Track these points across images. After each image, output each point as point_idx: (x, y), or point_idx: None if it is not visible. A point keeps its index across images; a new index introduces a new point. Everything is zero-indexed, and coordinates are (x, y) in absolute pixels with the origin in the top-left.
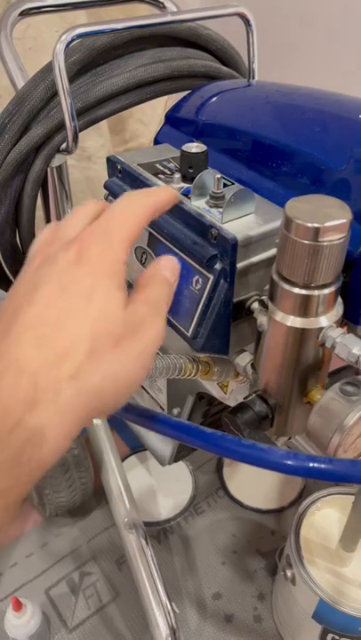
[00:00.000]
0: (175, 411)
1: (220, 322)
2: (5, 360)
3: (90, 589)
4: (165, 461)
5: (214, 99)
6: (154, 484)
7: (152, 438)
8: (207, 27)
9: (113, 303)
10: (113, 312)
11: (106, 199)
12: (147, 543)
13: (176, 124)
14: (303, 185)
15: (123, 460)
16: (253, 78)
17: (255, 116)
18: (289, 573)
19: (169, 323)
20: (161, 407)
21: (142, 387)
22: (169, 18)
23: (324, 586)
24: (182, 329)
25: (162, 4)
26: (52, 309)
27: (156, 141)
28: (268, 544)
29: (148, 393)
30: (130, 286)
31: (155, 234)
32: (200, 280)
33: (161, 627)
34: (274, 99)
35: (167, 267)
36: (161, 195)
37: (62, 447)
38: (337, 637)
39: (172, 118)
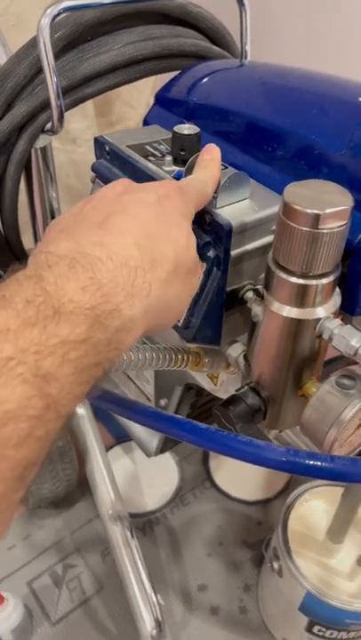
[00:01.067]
0: (162, 402)
1: (212, 311)
2: (108, 250)
3: (73, 582)
4: (152, 452)
5: (206, 79)
6: (139, 475)
7: (138, 429)
8: (198, 5)
9: (192, 243)
10: (192, 249)
11: (93, 182)
12: (132, 535)
13: (166, 105)
14: (300, 170)
15: (107, 450)
16: (246, 59)
17: (250, 97)
18: (276, 565)
19: None
20: (148, 398)
21: (129, 377)
22: None
23: (311, 578)
24: None
25: None
26: (149, 224)
27: (146, 122)
28: (255, 535)
29: (134, 383)
30: None
31: None
32: None
33: (146, 619)
34: (269, 79)
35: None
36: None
37: (137, 339)
38: (323, 629)
39: (162, 99)
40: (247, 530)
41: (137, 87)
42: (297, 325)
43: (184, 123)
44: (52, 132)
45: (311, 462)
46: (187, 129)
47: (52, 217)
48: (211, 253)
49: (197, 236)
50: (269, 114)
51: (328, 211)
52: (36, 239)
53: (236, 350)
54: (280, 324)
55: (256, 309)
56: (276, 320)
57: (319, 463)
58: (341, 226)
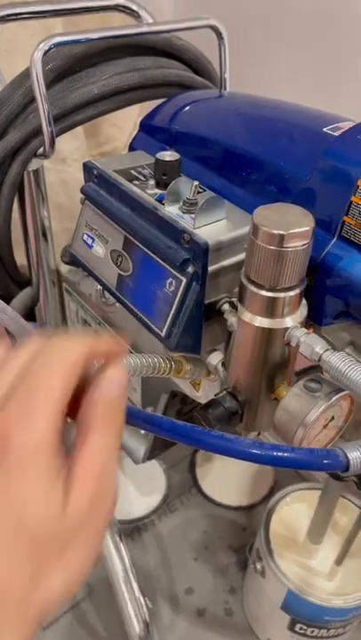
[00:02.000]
0: (149, 409)
1: (192, 322)
2: None
3: None
4: (139, 460)
5: (187, 108)
6: (128, 484)
7: (125, 437)
8: (181, 37)
9: (51, 511)
10: (50, 521)
11: (82, 203)
12: (120, 540)
13: (150, 132)
14: (271, 193)
15: None
16: (225, 88)
17: (226, 126)
18: (259, 566)
19: (143, 323)
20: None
21: None
22: (144, 29)
23: (292, 577)
24: (156, 329)
25: (137, 13)
26: None
27: (131, 148)
28: (239, 540)
29: None
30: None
31: (130, 237)
32: (173, 282)
33: (134, 621)
34: (244, 110)
35: (110, 390)
36: (100, 346)
37: None
38: (305, 627)
39: (146, 126)
40: (232, 535)
41: (124, 111)
42: (268, 334)
43: (166, 149)
44: (44, 156)
45: (274, 453)
46: (168, 156)
47: (44, 235)
48: (190, 269)
49: (177, 254)
50: (244, 142)
51: (292, 231)
52: (27, 256)
53: (215, 358)
54: (253, 333)
55: (231, 320)
56: (249, 330)
57: (281, 453)
58: (305, 244)
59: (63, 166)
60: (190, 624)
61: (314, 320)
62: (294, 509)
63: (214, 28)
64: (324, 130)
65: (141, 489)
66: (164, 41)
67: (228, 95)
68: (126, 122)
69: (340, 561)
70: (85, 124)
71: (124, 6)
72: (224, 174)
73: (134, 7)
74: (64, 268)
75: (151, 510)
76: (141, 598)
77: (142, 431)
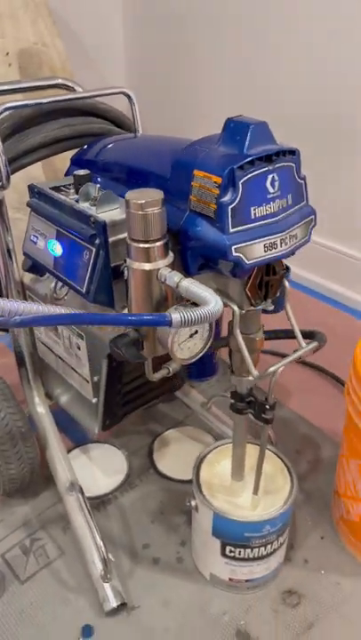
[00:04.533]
0: (95, 378)
1: (103, 281)
2: None
3: (39, 550)
4: (94, 433)
5: (104, 146)
6: (94, 469)
7: (79, 416)
8: (105, 102)
9: None
10: None
11: (29, 215)
12: (84, 500)
13: (78, 164)
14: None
15: (68, 452)
16: (138, 133)
17: (127, 153)
18: (193, 503)
19: (71, 287)
20: (86, 380)
21: (72, 368)
22: (74, 95)
23: (218, 506)
24: (79, 288)
25: (73, 88)
26: None
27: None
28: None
29: (76, 372)
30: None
31: (59, 229)
32: (87, 253)
33: (96, 562)
34: (140, 143)
35: None
36: None
37: None
38: (233, 549)
39: (75, 160)
40: (184, 501)
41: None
42: (148, 274)
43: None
44: (3, 187)
45: (128, 318)
46: (81, 172)
47: (9, 255)
48: (97, 241)
49: (87, 231)
50: (135, 161)
51: (148, 200)
52: None
53: (126, 310)
54: (138, 275)
55: (125, 271)
56: (136, 274)
57: (132, 318)
58: (158, 209)
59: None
60: (147, 570)
61: (185, 270)
62: (221, 462)
63: (126, 94)
64: (177, 149)
65: (106, 472)
66: (91, 105)
67: (140, 136)
68: None
69: (256, 490)
70: (45, 164)
71: (64, 84)
72: (126, 183)
73: (70, 84)
74: (26, 279)
75: (114, 487)
76: (102, 544)
77: (92, 403)
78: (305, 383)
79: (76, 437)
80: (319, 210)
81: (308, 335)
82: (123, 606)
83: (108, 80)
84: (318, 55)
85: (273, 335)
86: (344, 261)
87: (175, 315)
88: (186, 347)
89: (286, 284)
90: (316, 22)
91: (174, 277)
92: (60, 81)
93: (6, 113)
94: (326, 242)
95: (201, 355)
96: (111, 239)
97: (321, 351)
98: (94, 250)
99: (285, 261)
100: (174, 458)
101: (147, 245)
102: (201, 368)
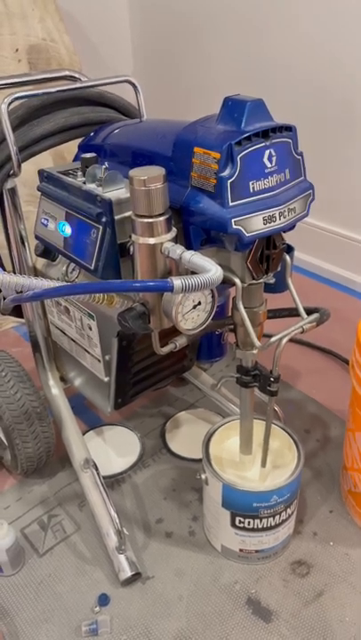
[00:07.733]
0: (107, 357)
1: (111, 258)
2: None
3: (56, 526)
4: (107, 410)
5: (110, 132)
6: (109, 449)
7: (92, 396)
8: (112, 92)
9: None
10: None
11: (40, 198)
12: (99, 476)
13: (85, 150)
14: None
15: (83, 434)
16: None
17: (132, 136)
18: (204, 476)
19: (81, 265)
20: (98, 360)
21: (84, 349)
22: (79, 84)
23: (227, 478)
24: (87, 265)
25: (80, 79)
26: None
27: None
28: (201, 482)
29: (88, 353)
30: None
31: (68, 210)
32: (95, 231)
33: (111, 534)
34: (144, 126)
35: None
36: None
37: None
38: (242, 519)
39: (83, 146)
40: (195, 479)
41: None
42: (152, 248)
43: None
44: (15, 175)
45: (133, 284)
46: (88, 155)
47: (22, 241)
48: (104, 219)
49: (94, 210)
50: (138, 143)
51: (150, 176)
52: (11, 257)
53: None
54: (144, 250)
55: (131, 247)
56: (142, 248)
57: (137, 284)
58: (161, 184)
59: None
60: (160, 543)
61: (189, 247)
62: (230, 437)
63: (130, 82)
64: (177, 130)
65: (120, 452)
66: (98, 94)
67: (145, 120)
68: None
69: (264, 462)
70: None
71: (71, 75)
72: (130, 165)
73: (77, 75)
74: (39, 264)
75: (128, 467)
76: (117, 518)
77: (105, 382)
78: (313, 365)
79: (90, 421)
80: (326, 195)
81: (312, 312)
82: (137, 576)
83: (116, 73)
84: (322, 40)
85: (277, 314)
86: (350, 246)
87: (177, 281)
88: (190, 317)
89: (288, 259)
90: (318, 6)
91: (177, 250)
92: (67, 72)
93: (16, 103)
94: (334, 227)
95: (204, 326)
96: (117, 217)
97: (328, 334)
98: (101, 228)
99: (296, 251)
100: (186, 438)
101: (151, 220)
102: (210, 349)
